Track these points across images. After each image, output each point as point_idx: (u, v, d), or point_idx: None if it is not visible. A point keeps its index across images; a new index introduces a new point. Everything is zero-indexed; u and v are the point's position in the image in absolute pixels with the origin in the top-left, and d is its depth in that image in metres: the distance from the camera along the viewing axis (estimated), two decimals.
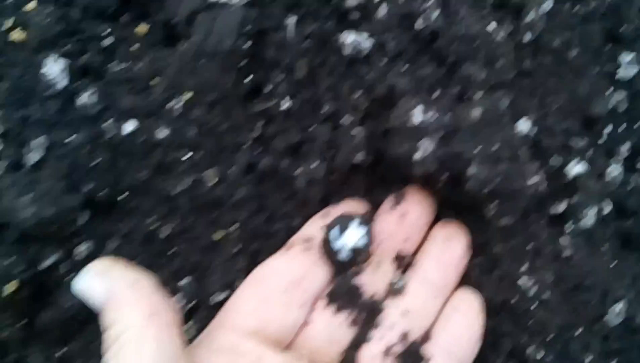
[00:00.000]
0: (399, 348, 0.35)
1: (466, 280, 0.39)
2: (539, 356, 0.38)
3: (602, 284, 0.40)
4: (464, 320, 0.36)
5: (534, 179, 0.37)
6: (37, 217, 0.33)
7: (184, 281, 0.36)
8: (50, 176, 0.34)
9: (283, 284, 0.34)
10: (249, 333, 0.32)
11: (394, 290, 0.37)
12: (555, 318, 0.39)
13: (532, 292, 0.38)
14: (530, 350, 0.38)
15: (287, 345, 0.34)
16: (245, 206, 0.37)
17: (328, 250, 0.35)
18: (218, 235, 0.37)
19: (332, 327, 0.35)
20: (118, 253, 0.36)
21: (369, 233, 0.36)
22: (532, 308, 0.38)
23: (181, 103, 0.36)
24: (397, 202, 0.38)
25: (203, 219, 0.37)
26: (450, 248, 0.38)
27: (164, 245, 0.36)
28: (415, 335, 0.35)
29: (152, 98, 0.36)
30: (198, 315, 0.36)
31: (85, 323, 0.35)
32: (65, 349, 0.36)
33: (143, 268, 0.32)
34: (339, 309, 0.35)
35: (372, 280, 0.36)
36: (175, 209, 0.36)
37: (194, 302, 0.36)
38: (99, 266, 0.30)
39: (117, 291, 0.29)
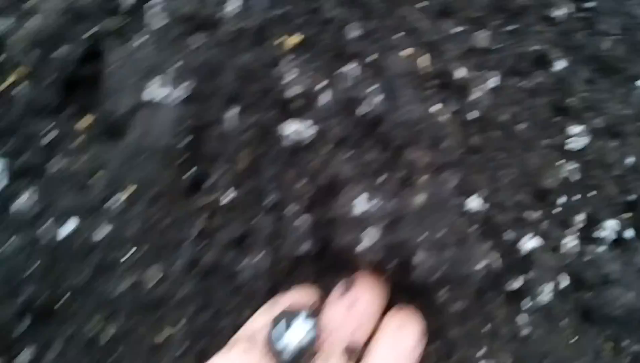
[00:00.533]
0: None
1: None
2: None
3: (563, 362, 0.39)
4: None
5: (483, 262, 0.36)
6: None
7: None
8: None
9: None
10: None
11: None
12: None
13: None
14: None
15: None
16: (190, 304, 0.36)
17: (271, 349, 0.34)
18: (163, 336, 0.36)
19: None
20: (61, 359, 0.34)
21: (316, 327, 0.35)
22: None
23: (122, 199, 0.36)
24: (346, 290, 0.37)
25: (147, 319, 0.36)
26: (403, 337, 0.36)
27: (107, 349, 0.35)
28: None
29: (93, 195, 0.36)
30: None
31: None
32: None
33: None
34: None
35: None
36: (117, 311, 0.35)
37: None
38: None
39: None
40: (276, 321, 0.34)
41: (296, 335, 0.34)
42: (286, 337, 0.34)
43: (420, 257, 0.34)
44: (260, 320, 0.36)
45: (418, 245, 0.35)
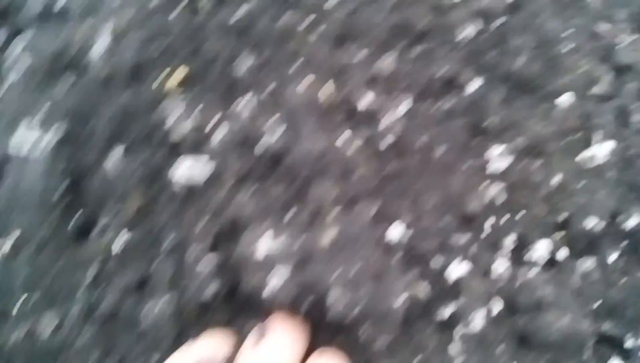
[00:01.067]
0: None
1: None
2: None
3: None
4: None
5: (405, 294, 0.34)
6: None
7: None
8: None
9: None
10: None
11: None
12: None
13: None
14: None
15: None
16: (92, 351, 0.33)
17: None
18: None
19: None
20: None
21: None
22: None
23: (8, 246, 0.33)
24: (261, 336, 0.35)
25: None
26: None
27: None
28: None
29: None
30: None
31: None
32: None
33: None
34: None
35: None
36: None
37: None
38: None
39: None
40: None
41: None
42: None
43: (334, 296, 0.32)
44: None
45: (331, 283, 0.32)
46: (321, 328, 0.36)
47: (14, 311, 0.32)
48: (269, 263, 0.32)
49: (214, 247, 0.34)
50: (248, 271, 0.33)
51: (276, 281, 0.32)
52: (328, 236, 0.33)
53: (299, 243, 0.33)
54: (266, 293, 0.32)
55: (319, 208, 0.34)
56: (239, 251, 0.33)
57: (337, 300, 0.32)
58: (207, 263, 0.34)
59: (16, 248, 0.32)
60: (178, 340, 0.35)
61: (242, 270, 0.33)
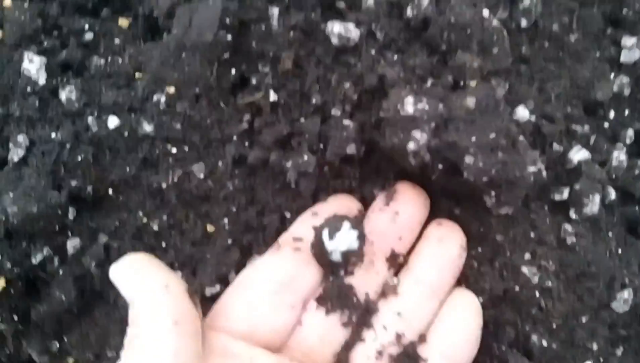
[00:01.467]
0: (393, 350, 0.33)
1: (467, 269, 0.37)
2: (543, 343, 0.37)
3: (608, 271, 0.38)
4: (461, 322, 0.35)
5: (533, 168, 0.35)
6: (23, 213, 0.32)
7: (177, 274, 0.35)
8: (35, 173, 0.33)
9: (273, 286, 0.32)
10: (239, 336, 0.31)
11: (388, 290, 0.35)
12: (560, 306, 0.37)
13: (535, 280, 0.37)
14: (534, 339, 0.37)
15: (279, 347, 0.33)
16: (236, 200, 0.36)
17: (319, 252, 0.33)
18: (209, 229, 0.36)
19: (324, 328, 0.33)
20: (109, 247, 0.35)
21: (361, 237, 0.34)
22: (535, 296, 0.37)
23: (165, 97, 0.35)
24: (389, 200, 0.36)
25: (193, 213, 0.36)
26: (445, 248, 0.36)
27: (155, 239, 0.35)
28: (409, 336, 0.34)
29: (135, 93, 0.35)
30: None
31: (81, 316, 0.35)
32: (61, 342, 0.36)
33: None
34: (331, 310, 0.33)
35: (365, 281, 0.35)
36: (164, 204, 0.35)
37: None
38: (134, 260, 0.29)
39: (147, 291, 0.28)
40: (322, 228, 0.33)
41: (343, 241, 0.33)
42: (334, 242, 0.33)
43: (470, 159, 0.33)
44: (304, 226, 0.35)
45: (468, 146, 0.34)
46: (448, 194, 0.38)
47: (167, 160, 0.35)
48: (409, 125, 0.33)
49: (355, 110, 0.36)
50: (388, 133, 0.34)
51: (415, 143, 0.33)
52: (467, 103, 0.34)
53: (439, 108, 0.34)
54: (407, 151, 0.33)
55: (459, 77, 0.35)
56: (380, 114, 0.34)
57: (473, 163, 0.33)
58: (347, 125, 0.35)
59: (172, 101, 0.34)
60: (314, 197, 0.37)
61: (382, 132, 0.34)
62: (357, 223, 0.34)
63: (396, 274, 0.36)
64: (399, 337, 0.34)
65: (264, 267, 0.33)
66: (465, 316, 0.35)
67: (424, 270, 0.35)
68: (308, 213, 0.36)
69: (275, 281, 0.33)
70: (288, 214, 0.36)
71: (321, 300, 0.33)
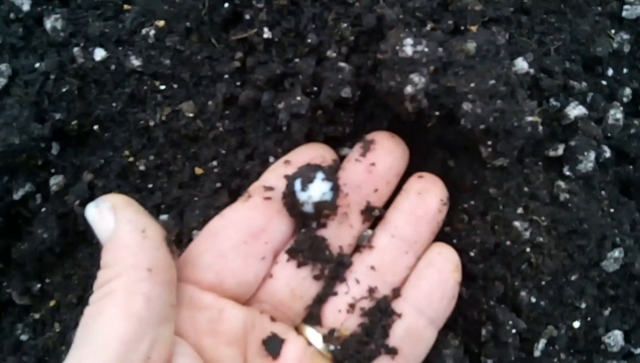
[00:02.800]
0: (365, 304, 0.32)
1: (458, 222, 0.37)
2: (532, 300, 0.36)
3: (600, 230, 0.38)
4: (437, 277, 0.34)
5: (531, 118, 0.35)
6: (4, 144, 0.30)
7: (163, 216, 0.34)
8: (17, 103, 0.31)
9: (242, 236, 0.31)
10: (208, 287, 0.30)
11: (362, 244, 0.34)
12: (550, 263, 0.37)
13: (526, 235, 0.36)
14: (523, 294, 0.36)
15: (249, 299, 0.32)
16: (225, 142, 0.35)
17: (291, 202, 0.32)
18: (197, 171, 0.35)
19: (296, 281, 0.32)
20: (94, 186, 0.33)
21: (335, 188, 0.32)
22: (526, 251, 0.36)
23: (154, 31, 0.33)
24: (366, 151, 0.35)
25: (182, 153, 0.34)
26: (424, 202, 0.34)
27: (142, 180, 0.34)
28: (383, 290, 0.33)
29: (123, 25, 0.33)
30: (179, 250, 0.34)
31: (63, 256, 0.34)
32: (43, 283, 0.35)
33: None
34: (303, 263, 0.32)
35: (339, 233, 0.33)
36: (152, 142, 0.34)
37: (173, 238, 0.33)
38: (114, 201, 0.28)
39: (123, 233, 0.27)
40: (294, 177, 0.32)
41: (316, 192, 0.32)
42: (306, 193, 0.31)
43: (468, 105, 0.33)
44: (275, 174, 0.33)
45: (467, 92, 0.33)
46: (441, 144, 0.37)
47: (156, 96, 0.33)
48: (407, 67, 0.32)
49: (351, 52, 0.35)
50: (385, 75, 0.33)
51: (413, 86, 0.32)
52: (467, 48, 0.33)
53: (438, 51, 0.33)
54: (404, 95, 0.32)
55: (460, 21, 0.34)
56: (378, 56, 0.33)
57: (470, 109, 0.32)
58: (343, 67, 0.34)
59: (161, 35, 0.33)
60: (306, 141, 0.36)
61: (382, 71, 0.33)
62: (331, 173, 0.33)
63: (372, 227, 0.35)
64: (371, 290, 0.33)
65: (233, 217, 0.32)
66: (442, 271, 0.34)
67: (401, 224, 0.34)
68: (280, 161, 0.34)
69: (245, 231, 0.31)
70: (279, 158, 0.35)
71: (292, 252, 0.32)
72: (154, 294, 0.26)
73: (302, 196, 0.32)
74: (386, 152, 0.35)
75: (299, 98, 0.34)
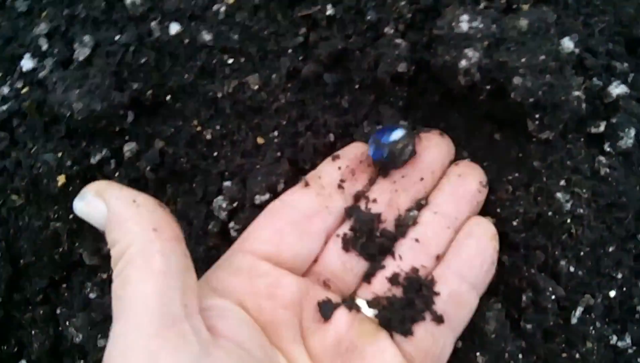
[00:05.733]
0: (410, 272, 0.35)
1: (503, 193, 0.38)
2: (571, 269, 0.38)
3: (638, 203, 0.39)
4: (477, 245, 0.35)
5: (577, 93, 0.36)
6: (87, 111, 0.32)
7: (227, 183, 0.36)
8: (99, 73, 0.33)
9: (297, 217, 0.34)
10: (265, 256, 0.32)
11: (407, 221, 0.36)
12: (589, 234, 0.38)
13: (567, 207, 0.37)
14: (562, 264, 0.38)
15: (304, 272, 0.34)
16: (287, 113, 0.36)
17: (376, 149, 0.35)
18: (259, 141, 0.36)
19: (347, 257, 0.35)
20: (164, 153, 0.35)
21: (412, 136, 0.35)
22: (566, 222, 0.38)
23: (224, 7, 0.35)
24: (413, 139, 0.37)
25: (245, 123, 0.36)
26: (463, 183, 0.36)
27: (208, 148, 0.36)
28: (427, 261, 0.35)
29: (196, 1, 0.35)
30: (241, 216, 0.36)
31: None
32: None
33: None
34: (353, 242, 0.35)
35: (386, 214, 0.36)
36: (218, 113, 0.36)
37: (236, 203, 0.36)
38: (95, 187, 0.29)
39: (118, 209, 0.28)
40: (380, 130, 0.35)
41: (397, 136, 0.35)
42: (390, 138, 0.35)
43: (519, 79, 0.34)
44: (328, 167, 0.36)
45: (518, 67, 0.34)
46: (490, 117, 0.39)
47: (224, 69, 0.35)
48: (462, 43, 0.34)
49: (408, 29, 0.36)
50: (440, 50, 0.35)
51: (467, 61, 0.34)
52: (520, 24, 0.34)
53: (492, 28, 0.34)
54: (458, 68, 0.34)
55: (512, 1, 0.35)
56: (434, 32, 0.35)
57: (521, 83, 0.34)
58: (400, 43, 0.35)
59: (231, 11, 0.34)
60: (365, 114, 0.38)
61: (435, 50, 0.35)
62: (408, 128, 0.36)
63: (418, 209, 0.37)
64: (416, 260, 0.35)
65: (290, 200, 0.34)
66: (481, 240, 0.36)
67: (443, 202, 0.36)
68: (329, 158, 0.36)
69: (301, 212, 0.34)
70: (337, 131, 0.37)
71: (345, 237, 0.35)
72: (167, 249, 0.27)
73: (385, 140, 0.35)
74: (432, 145, 0.37)
75: (357, 73, 0.36)
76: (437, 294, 0.34)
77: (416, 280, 0.35)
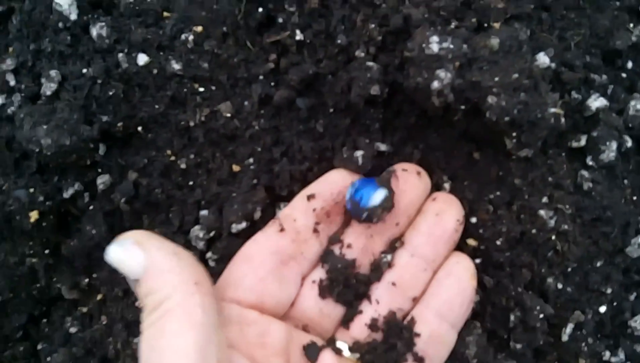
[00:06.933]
0: (389, 316, 0.34)
1: (484, 214, 0.37)
2: (558, 287, 0.37)
3: (623, 217, 0.38)
4: (457, 286, 0.35)
5: (554, 109, 0.35)
6: (56, 146, 0.32)
7: (204, 212, 0.35)
8: (67, 107, 0.33)
9: (274, 263, 0.33)
10: (250, 305, 0.32)
11: (382, 266, 0.35)
12: (575, 250, 0.37)
13: (551, 223, 0.37)
14: (549, 281, 0.37)
15: (282, 317, 0.34)
16: (261, 140, 0.36)
17: (354, 210, 0.34)
18: (235, 168, 0.36)
19: (323, 303, 0.34)
20: (138, 184, 0.35)
21: (390, 191, 0.34)
22: (551, 239, 0.37)
23: (192, 36, 0.35)
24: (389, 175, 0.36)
25: (220, 151, 0.36)
26: (441, 222, 0.36)
27: (183, 177, 0.35)
28: (404, 303, 0.35)
29: (163, 31, 0.35)
30: (218, 245, 0.35)
31: None
32: (90, 278, 0.36)
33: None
34: (329, 293, 0.34)
35: (361, 259, 0.35)
36: (192, 142, 0.35)
37: (213, 233, 0.35)
38: (136, 236, 0.29)
39: (159, 259, 0.28)
40: (356, 188, 0.34)
41: (377, 198, 0.34)
42: (369, 200, 0.34)
43: (493, 98, 0.33)
44: (301, 205, 0.35)
45: (492, 86, 0.33)
46: (467, 137, 0.38)
47: (195, 98, 0.35)
48: (434, 64, 0.33)
49: (379, 51, 0.35)
50: (412, 72, 0.34)
51: (439, 82, 0.33)
52: (491, 43, 0.33)
53: (463, 48, 0.33)
54: (431, 90, 0.33)
55: (483, 19, 0.35)
56: (405, 54, 0.34)
57: (496, 102, 0.33)
58: (371, 66, 0.35)
59: (200, 40, 0.34)
60: (340, 139, 0.37)
61: (409, 68, 0.34)
62: (385, 181, 0.35)
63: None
64: (393, 304, 0.34)
65: (267, 244, 0.34)
66: (461, 279, 0.35)
67: (420, 244, 0.35)
68: (302, 195, 0.35)
69: (278, 258, 0.33)
70: (313, 155, 0.36)
71: (320, 279, 0.34)
72: (207, 303, 0.27)
73: (364, 204, 0.34)
74: (409, 187, 0.36)
75: (329, 98, 0.35)
76: (417, 335, 0.34)
77: (395, 323, 0.34)
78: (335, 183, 0.35)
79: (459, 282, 0.35)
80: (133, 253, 0.28)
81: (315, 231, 0.34)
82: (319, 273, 0.35)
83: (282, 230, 0.34)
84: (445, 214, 0.36)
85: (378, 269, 0.35)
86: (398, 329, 0.34)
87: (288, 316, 0.34)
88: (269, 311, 0.33)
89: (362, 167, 0.34)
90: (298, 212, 0.34)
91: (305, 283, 0.34)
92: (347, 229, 0.35)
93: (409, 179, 0.36)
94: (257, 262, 0.33)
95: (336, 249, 0.35)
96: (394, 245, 0.36)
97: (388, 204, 0.34)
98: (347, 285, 0.34)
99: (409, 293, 0.35)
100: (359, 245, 0.35)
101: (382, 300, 0.34)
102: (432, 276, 0.35)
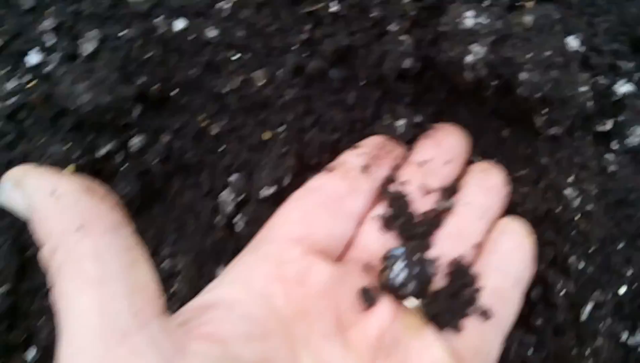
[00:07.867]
0: (447, 265, 0.33)
1: (512, 191, 0.37)
2: (580, 266, 0.37)
3: None
4: (514, 241, 0.34)
5: (584, 88, 0.35)
6: (94, 103, 0.32)
7: (233, 177, 0.35)
8: (105, 67, 0.33)
9: (326, 199, 0.32)
10: (294, 241, 0.30)
11: (442, 210, 0.35)
12: (598, 231, 0.37)
13: (576, 203, 0.37)
14: (572, 260, 0.37)
15: (337, 258, 0.32)
16: (293, 108, 0.36)
17: (388, 287, 0.31)
18: (266, 135, 0.36)
19: (386, 238, 0.33)
20: (171, 146, 0.35)
21: (423, 267, 0.32)
22: (575, 219, 0.37)
23: (230, 4, 0.35)
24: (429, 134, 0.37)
25: (252, 118, 0.36)
26: (489, 177, 0.36)
27: (215, 142, 0.36)
28: (462, 251, 0.34)
29: None
30: (247, 209, 0.35)
31: (139, 212, 0.35)
32: None
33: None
34: (392, 221, 0.34)
35: (419, 196, 0.35)
36: (224, 108, 0.35)
37: (242, 196, 0.35)
38: (13, 176, 0.24)
39: (37, 204, 0.23)
40: (389, 264, 0.32)
41: (408, 276, 0.31)
42: (401, 278, 0.31)
43: (525, 74, 0.34)
44: (351, 154, 0.35)
45: (524, 62, 0.34)
46: (499, 113, 0.38)
47: (230, 65, 0.35)
48: (468, 38, 0.33)
49: (412, 26, 0.36)
50: (446, 46, 0.34)
51: (473, 56, 0.33)
52: (525, 20, 0.34)
53: (497, 24, 0.34)
54: (463, 64, 0.33)
55: None
56: (439, 28, 0.34)
57: (527, 78, 0.33)
58: (405, 40, 0.35)
59: (237, 7, 0.34)
60: (370, 111, 0.37)
61: (440, 46, 0.34)
62: (415, 252, 0.33)
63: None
64: (455, 250, 0.34)
65: (316, 185, 0.33)
66: (516, 236, 0.35)
67: (473, 194, 0.35)
68: (351, 149, 0.36)
69: (329, 195, 0.32)
70: (344, 126, 0.36)
71: (383, 217, 0.34)
72: (101, 248, 0.22)
73: (395, 280, 0.31)
74: (450, 133, 0.37)
75: (361, 70, 0.35)
76: (481, 288, 0.32)
77: (461, 269, 0.33)
78: (379, 138, 0.36)
79: (515, 237, 0.34)
80: (14, 197, 0.24)
81: (366, 170, 0.34)
82: (379, 211, 0.33)
83: (330, 171, 0.33)
84: (491, 171, 0.36)
85: (437, 214, 0.35)
86: (463, 275, 0.32)
87: (344, 258, 0.32)
88: (319, 247, 0.30)
89: (403, 136, 0.35)
90: (346, 156, 0.34)
91: (364, 221, 0.33)
92: (399, 171, 0.35)
93: (448, 128, 0.37)
94: (305, 200, 0.32)
95: (392, 187, 0.34)
96: (449, 192, 0.36)
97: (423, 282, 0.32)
98: (410, 217, 0.34)
99: (470, 240, 0.34)
100: (416, 183, 0.35)
101: (444, 246, 0.33)
102: (487, 226, 0.34)
